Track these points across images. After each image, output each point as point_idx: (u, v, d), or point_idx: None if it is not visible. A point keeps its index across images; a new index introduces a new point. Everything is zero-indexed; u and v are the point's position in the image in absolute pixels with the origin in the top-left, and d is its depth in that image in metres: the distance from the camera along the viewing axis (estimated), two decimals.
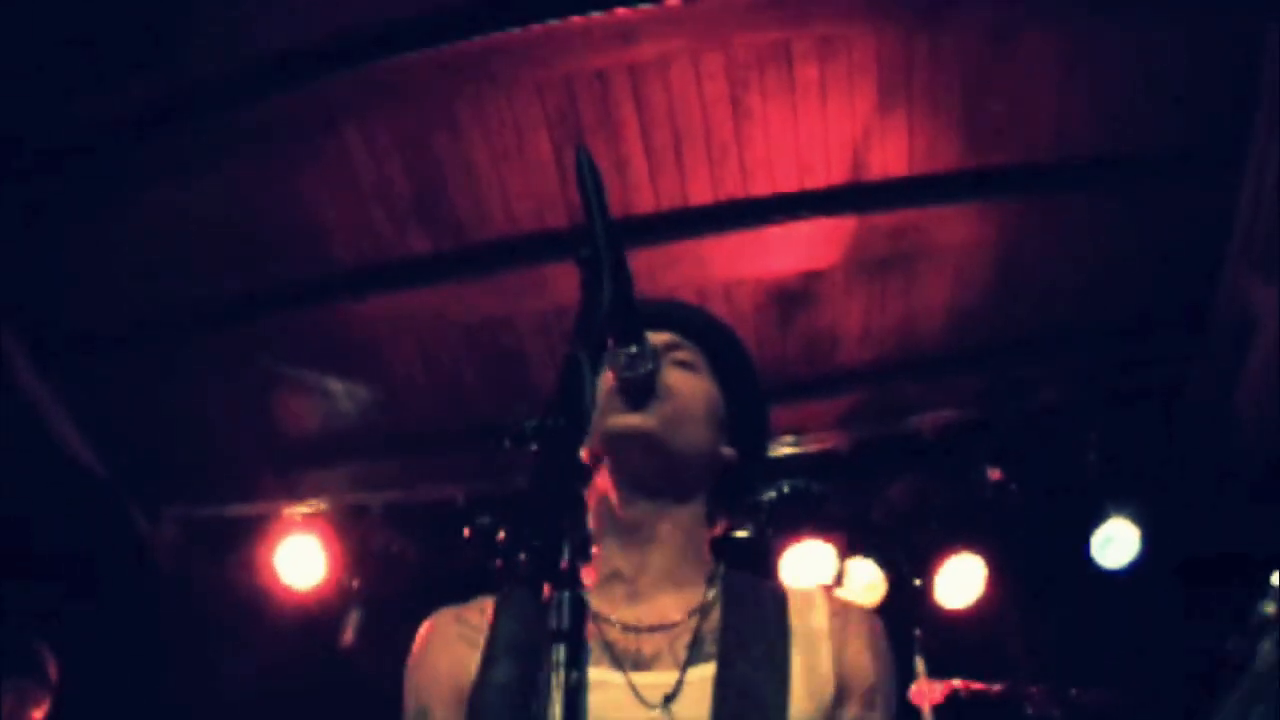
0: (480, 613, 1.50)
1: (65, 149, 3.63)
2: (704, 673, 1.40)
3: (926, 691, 3.69)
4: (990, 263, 4.12)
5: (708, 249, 4.05)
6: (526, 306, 4.26)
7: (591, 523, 1.53)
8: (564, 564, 0.98)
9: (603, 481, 1.54)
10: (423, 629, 1.54)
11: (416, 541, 4.72)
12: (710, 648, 1.42)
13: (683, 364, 1.60)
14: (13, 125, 3.49)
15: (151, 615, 4.47)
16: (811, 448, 4.58)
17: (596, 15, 3.39)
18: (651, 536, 1.52)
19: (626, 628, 1.46)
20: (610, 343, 1.42)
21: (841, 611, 1.50)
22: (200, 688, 4.36)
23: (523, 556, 0.96)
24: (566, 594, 0.97)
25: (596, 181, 1.30)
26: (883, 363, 4.45)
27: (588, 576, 1.52)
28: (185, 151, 3.70)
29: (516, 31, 3.43)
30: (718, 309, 4.09)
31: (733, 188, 3.90)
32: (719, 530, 1.64)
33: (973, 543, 4.30)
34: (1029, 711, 3.77)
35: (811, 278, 4.16)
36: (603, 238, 1.29)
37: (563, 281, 3.91)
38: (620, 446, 1.50)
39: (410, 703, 1.49)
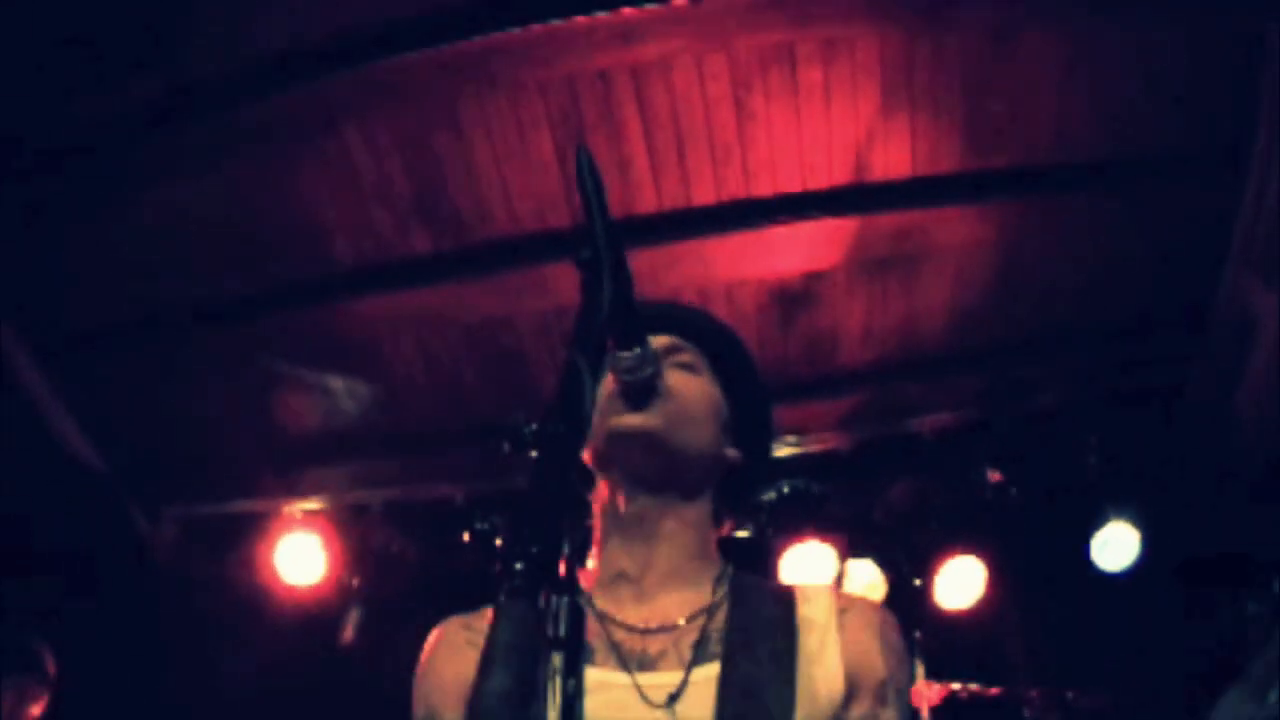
0: (487, 620, 1.49)
1: (65, 149, 3.63)
2: (709, 672, 1.39)
3: (925, 693, 3.70)
4: (991, 264, 4.12)
5: (710, 249, 4.05)
6: (527, 306, 4.26)
7: (596, 525, 1.55)
8: (561, 571, 0.98)
9: (607, 483, 1.54)
10: (431, 636, 1.54)
11: (416, 540, 4.73)
12: (716, 648, 1.42)
13: (684, 366, 1.59)
14: (13, 125, 3.49)
15: (151, 613, 4.48)
16: (812, 448, 4.58)
17: (599, 15, 3.38)
18: (657, 537, 1.51)
19: (632, 628, 1.45)
20: (611, 346, 1.41)
21: (850, 606, 1.49)
22: (199, 685, 4.36)
23: (519, 566, 0.95)
24: (564, 601, 0.97)
25: (597, 183, 1.29)
26: (884, 363, 4.45)
27: (592, 578, 1.53)
28: (185, 151, 3.70)
29: (518, 31, 3.43)
30: (719, 309, 4.09)
31: (735, 188, 3.90)
32: (725, 531, 1.63)
33: (973, 544, 4.31)
34: (1027, 714, 3.77)
35: (813, 278, 4.16)
36: (603, 240, 1.28)
37: (563, 281, 3.91)
38: (622, 446, 1.49)
39: (419, 710, 1.48)
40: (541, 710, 0.95)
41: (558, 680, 0.94)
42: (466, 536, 4.49)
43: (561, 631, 0.96)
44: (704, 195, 3.92)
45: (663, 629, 1.45)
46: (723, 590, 1.50)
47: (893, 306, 4.27)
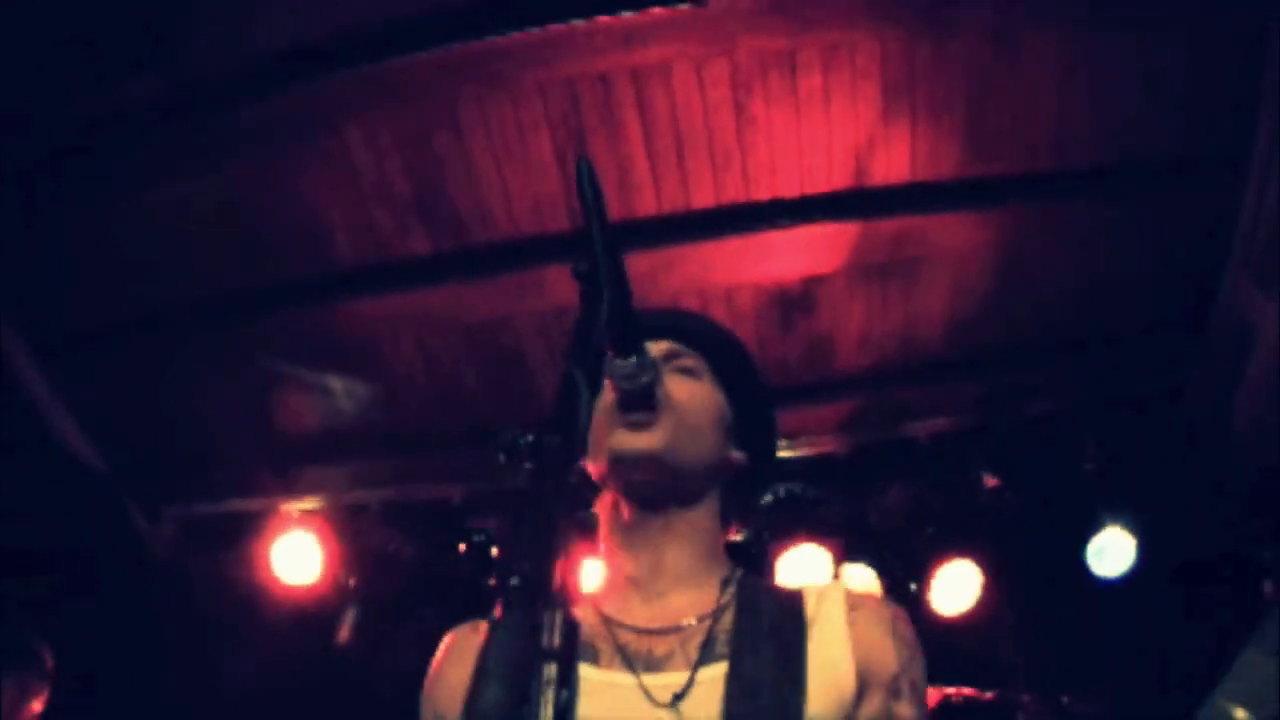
0: None
1: (65, 149, 3.63)
2: (715, 673, 1.40)
3: None
4: (990, 269, 4.12)
5: (709, 253, 4.05)
6: (526, 307, 4.26)
7: (603, 531, 1.55)
8: (555, 584, 0.98)
9: (611, 495, 1.55)
10: (442, 644, 1.55)
11: (413, 540, 4.72)
12: (723, 648, 1.42)
13: (685, 371, 1.60)
14: (13, 125, 3.49)
15: (150, 611, 4.48)
16: (809, 452, 4.57)
17: (600, 19, 3.39)
18: (664, 542, 1.53)
19: (640, 630, 1.46)
20: (609, 354, 1.41)
21: (859, 603, 1.49)
22: (198, 683, 4.36)
23: (514, 581, 0.96)
24: (557, 614, 0.98)
25: (597, 192, 1.30)
26: (882, 368, 4.45)
27: (601, 583, 1.53)
28: (185, 151, 3.70)
29: (519, 33, 3.43)
30: (718, 312, 4.10)
31: (735, 192, 3.90)
32: (733, 533, 1.64)
33: (968, 549, 4.30)
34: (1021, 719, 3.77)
35: (812, 282, 4.16)
36: (601, 249, 1.29)
37: (563, 282, 3.86)
38: (625, 469, 1.50)
39: (427, 716, 1.50)
40: None
41: (549, 692, 0.94)
42: (463, 547, 4.48)
43: (555, 644, 0.97)
44: (703, 199, 3.93)
45: (670, 630, 1.46)
46: (730, 592, 1.51)
47: (891, 311, 4.27)
